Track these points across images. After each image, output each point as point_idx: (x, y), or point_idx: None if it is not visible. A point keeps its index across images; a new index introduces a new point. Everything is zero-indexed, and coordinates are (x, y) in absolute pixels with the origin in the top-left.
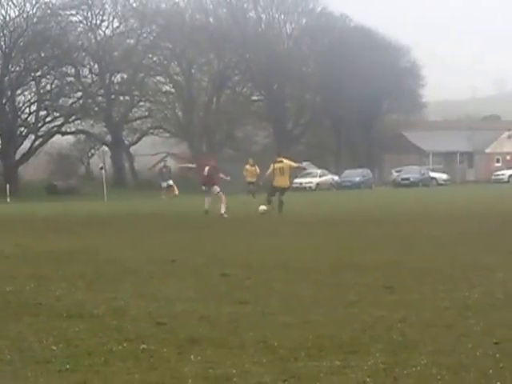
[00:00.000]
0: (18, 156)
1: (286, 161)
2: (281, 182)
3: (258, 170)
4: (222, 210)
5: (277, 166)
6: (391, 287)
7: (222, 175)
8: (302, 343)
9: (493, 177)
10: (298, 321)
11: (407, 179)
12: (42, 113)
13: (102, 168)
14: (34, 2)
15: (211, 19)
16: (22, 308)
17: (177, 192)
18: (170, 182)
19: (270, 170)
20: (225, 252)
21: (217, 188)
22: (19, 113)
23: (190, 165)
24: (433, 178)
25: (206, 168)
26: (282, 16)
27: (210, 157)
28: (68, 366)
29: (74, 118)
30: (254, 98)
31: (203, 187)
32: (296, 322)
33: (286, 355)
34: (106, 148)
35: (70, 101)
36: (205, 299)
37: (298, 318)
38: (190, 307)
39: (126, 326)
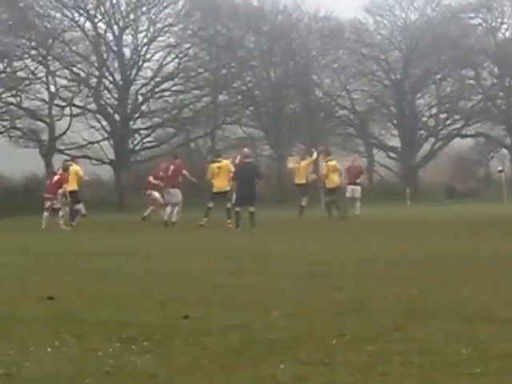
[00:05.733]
0: (417, 159)
1: None
2: None
3: None
4: None
5: None
6: None
7: None
8: None
9: None
10: None
11: None
12: (442, 116)
13: (501, 171)
14: (434, 6)
15: None
16: (428, 311)
17: None
18: None
19: None
20: None
21: None
22: (419, 116)
23: None
24: None
25: None
26: None
27: None
28: (478, 370)
29: (473, 120)
30: None
31: None
32: None
33: None
34: (505, 151)
35: (470, 104)
36: None
37: None
38: None
39: None
